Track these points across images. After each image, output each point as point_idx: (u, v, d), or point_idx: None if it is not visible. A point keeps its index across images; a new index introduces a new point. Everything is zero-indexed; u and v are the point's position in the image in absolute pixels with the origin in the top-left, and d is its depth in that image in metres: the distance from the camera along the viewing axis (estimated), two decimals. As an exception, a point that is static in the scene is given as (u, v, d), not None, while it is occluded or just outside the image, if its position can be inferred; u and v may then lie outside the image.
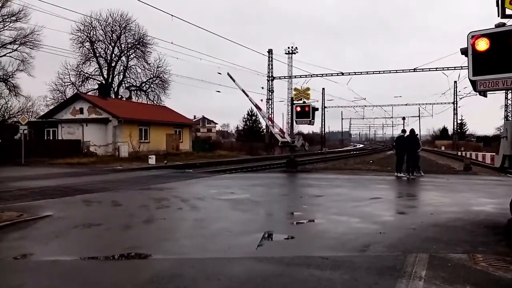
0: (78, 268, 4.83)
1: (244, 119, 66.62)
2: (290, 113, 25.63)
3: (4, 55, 37.19)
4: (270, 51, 52.93)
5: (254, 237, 6.17)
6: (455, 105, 63.01)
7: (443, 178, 15.74)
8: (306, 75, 46.80)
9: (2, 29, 36.24)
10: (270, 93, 53.18)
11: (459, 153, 34.49)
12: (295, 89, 20.27)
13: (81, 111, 31.88)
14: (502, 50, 5.80)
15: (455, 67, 40.80)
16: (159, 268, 4.64)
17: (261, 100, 53.65)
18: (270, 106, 53.63)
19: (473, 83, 6.25)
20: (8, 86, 38.00)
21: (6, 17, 35.90)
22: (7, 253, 5.30)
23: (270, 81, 52.88)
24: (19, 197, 10.18)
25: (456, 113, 64.07)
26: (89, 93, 41.24)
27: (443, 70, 41.64)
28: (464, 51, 6.22)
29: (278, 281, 4.14)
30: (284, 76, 56.32)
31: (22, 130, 24.10)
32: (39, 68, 57.97)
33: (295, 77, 51.49)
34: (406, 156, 15.72)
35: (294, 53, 62.80)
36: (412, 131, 16.30)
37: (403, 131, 16.76)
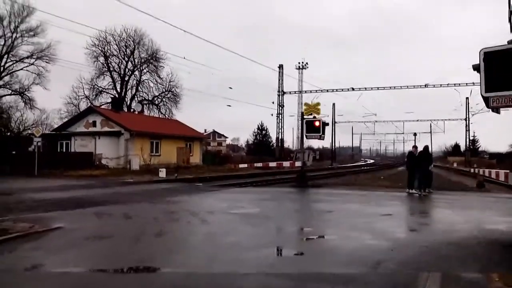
0: (88, 280, 4.85)
1: (254, 133, 66.83)
2: (300, 128, 25.65)
3: (21, 69, 38.08)
4: (280, 66, 53.30)
5: (265, 252, 6.14)
6: (467, 121, 62.27)
7: (455, 195, 15.51)
8: (316, 90, 46.95)
9: (20, 44, 37.20)
10: (280, 108, 53.36)
11: (472, 170, 33.98)
12: (306, 104, 20.28)
13: (94, 124, 32.33)
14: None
15: (466, 83, 40.54)
16: (169, 282, 4.64)
17: (272, 115, 53.94)
18: (280, 120, 53.78)
19: (486, 100, 6.22)
20: (24, 99, 38.80)
21: (24, 32, 36.87)
22: (18, 264, 5.34)
23: (280, 96, 53.12)
24: (32, 209, 10.29)
25: (469, 130, 63.27)
26: (102, 107, 41.86)
27: (454, 86, 41.40)
28: (476, 67, 6.21)
29: (288, 297, 4.10)
30: (295, 91, 56.51)
31: (36, 142, 24.49)
32: (54, 82, 59.04)
33: (306, 92, 51.73)
34: (417, 172, 15.53)
35: (305, 68, 62.97)
36: (425, 147, 16.18)
37: (414, 147, 16.65)
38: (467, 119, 61.87)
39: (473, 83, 38.79)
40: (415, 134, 54.60)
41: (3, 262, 5.47)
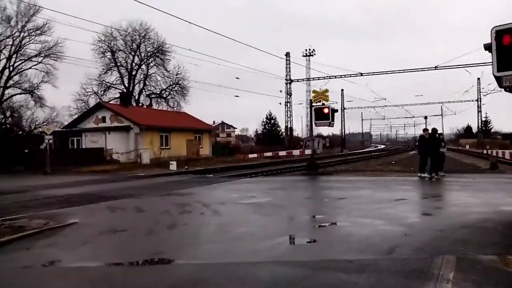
0: (104, 274, 4.91)
1: (263, 123, 66.73)
2: (309, 116, 25.50)
3: (30, 68, 38.36)
4: (287, 54, 52.92)
5: (277, 241, 6.15)
6: (479, 102, 61.42)
7: (469, 178, 15.33)
8: (324, 77, 46.42)
9: (28, 43, 37.41)
10: (288, 96, 53.12)
11: (485, 152, 33.55)
12: (314, 91, 20.12)
13: (103, 119, 32.55)
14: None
15: (478, 64, 39.73)
16: (183, 273, 4.67)
17: (280, 104, 53.76)
18: (288, 109, 53.57)
19: (498, 79, 6.08)
20: (33, 98, 39.16)
21: (31, 31, 37.04)
22: (36, 260, 5.43)
23: (288, 84, 52.84)
24: (46, 205, 10.44)
25: (480, 111, 62.43)
26: (111, 102, 42.08)
27: (465, 66, 40.62)
28: (488, 47, 6.06)
29: (303, 285, 4.10)
30: (302, 79, 56.19)
31: (48, 140, 24.75)
32: (63, 79, 59.55)
33: (313, 79, 51.40)
34: (428, 155, 15.36)
35: (312, 55, 62.71)
36: (433, 130, 15.96)
37: (425, 130, 16.44)
38: (479, 100, 61.00)
39: (484, 63, 38.07)
40: (425, 118, 54.12)
41: (22, 258, 5.56)
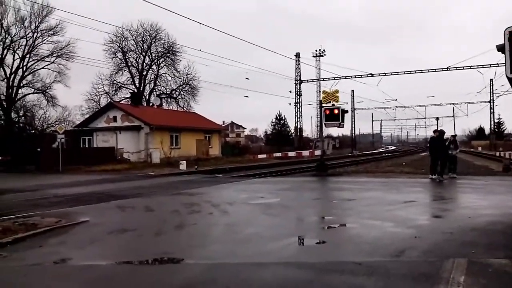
0: (114, 273, 4.97)
1: (273, 123, 66.65)
2: (319, 116, 25.41)
3: (42, 68, 38.87)
4: (297, 55, 52.85)
5: (286, 242, 6.15)
6: (492, 103, 60.58)
7: (480, 180, 15.13)
8: (334, 78, 46.17)
9: (41, 43, 37.90)
10: (298, 97, 53.02)
11: (498, 154, 33.08)
12: (324, 92, 20.05)
13: (114, 119, 32.85)
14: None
15: (490, 65, 39.15)
16: (192, 273, 4.70)
17: (289, 104, 53.67)
18: (298, 109, 53.46)
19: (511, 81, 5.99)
20: (46, 97, 39.66)
21: (44, 31, 37.53)
22: (47, 257, 5.51)
23: (298, 85, 52.73)
24: (58, 204, 10.58)
25: (493, 112, 61.59)
26: (122, 102, 42.44)
27: (477, 68, 40.08)
28: (500, 48, 5.97)
29: (311, 287, 4.09)
30: (312, 79, 55.93)
31: (60, 139, 25.07)
32: (75, 79, 60.34)
33: (323, 80, 51.01)
34: (439, 157, 15.23)
35: (322, 56, 62.35)
36: (440, 132, 15.90)
37: (435, 131, 16.34)
38: (492, 101, 60.16)
39: (497, 64, 37.53)
40: (437, 119, 53.50)
41: (34, 256, 5.65)
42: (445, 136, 15.88)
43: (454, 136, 17.63)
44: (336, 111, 18.40)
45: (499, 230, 6.45)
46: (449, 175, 15.59)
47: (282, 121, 65.18)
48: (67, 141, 29.07)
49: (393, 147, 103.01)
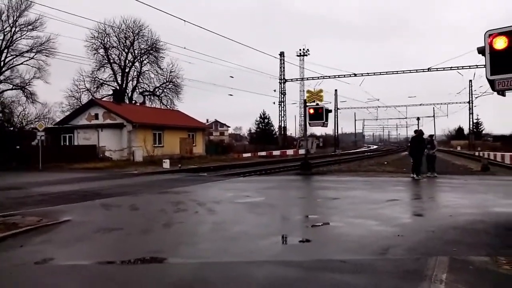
0: (99, 273, 4.90)
1: (257, 122, 66.82)
2: (303, 116, 25.56)
3: (21, 63, 38.01)
4: (282, 54, 53.03)
5: (272, 240, 6.20)
6: (471, 104, 62.06)
7: (460, 179, 15.50)
8: (318, 77, 46.61)
9: (19, 38, 37.08)
10: (282, 96, 53.23)
11: (476, 153, 33.92)
12: (308, 91, 20.19)
13: (96, 116, 32.35)
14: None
15: (470, 66, 40.17)
16: (180, 272, 4.69)
17: (274, 103, 53.83)
18: (282, 108, 53.66)
19: (491, 83, 6.16)
20: (25, 94, 38.81)
21: (23, 26, 36.71)
22: (29, 257, 5.38)
23: (282, 84, 52.94)
24: (39, 202, 10.37)
25: (472, 113, 63.12)
26: (104, 99, 41.82)
27: (458, 69, 41.03)
28: (481, 50, 6.14)
29: (299, 285, 4.14)
30: (296, 79, 56.33)
31: (40, 136, 24.54)
32: (55, 75, 59.20)
33: (307, 79, 51.53)
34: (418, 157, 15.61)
35: (306, 55, 62.85)
36: (419, 132, 16.40)
37: (416, 131, 16.75)
38: (471, 102, 61.60)
39: (477, 65, 38.50)
40: (418, 119, 54.32)
41: (14, 256, 5.53)
42: (424, 136, 16.27)
43: (431, 136, 18.05)
44: (320, 111, 18.57)
45: (479, 228, 6.62)
46: (428, 174, 15.95)
47: (266, 120, 65.42)
48: (47, 138, 28.49)
49: (375, 147, 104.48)
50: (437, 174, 16.16)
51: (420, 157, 15.43)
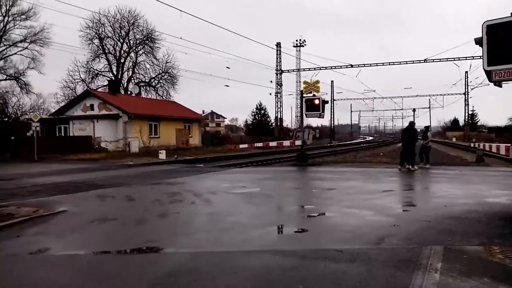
0: (95, 262, 4.91)
1: (253, 113, 66.65)
2: (299, 107, 25.54)
3: (15, 53, 37.62)
4: (278, 44, 52.77)
5: (268, 230, 6.22)
6: (466, 95, 62.22)
7: (455, 170, 15.59)
8: (315, 68, 46.58)
9: (12, 28, 36.66)
10: (278, 87, 53.08)
11: (471, 145, 34.06)
12: (305, 82, 20.13)
13: (91, 107, 32.16)
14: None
15: (466, 57, 40.21)
16: (176, 262, 4.69)
17: (270, 94, 53.70)
18: (279, 99, 53.55)
19: (488, 73, 6.16)
20: (19, 84, 38.51)
21: (16, 15, 36.27)
22: (24, 248, 5.38)
23: (278, 75, 52.75)
24: (35, 193, 10.34)
25: (467, 104, 63.29)
26: (99, 90, 41.54)
27: (454, 60, 41.06)
28: (478, 41, 6.13)
29: (295, 274, 4.16)
30: (293, 69, 56.13)
31: (35, 127, 24.40)
32: (50, 66, 58.58)
33: (304, 70, 51.24)
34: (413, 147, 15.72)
35: (302, 46, 62.50)
36: (410, 123, 16.62)
37: (411, 122, 16.95)
38: (466, 93, 61.76)
39: (473, 57, 38.54)
40: (414, 110, 54.49)
41: (10, 246, 5.52)
42: (417, 127, 16.47)
43: (427, 127, 18.15)
44: (317, 102, 18.55)
45: (473, 218, 6.68)
46: (420, 165, 16.06)
47: (262, 111, 65.28)
48: (42, 129, 28.34)
49: (371, 138, 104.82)
50: (430, 165, 16.23)
51: (410, 147, 15.52)
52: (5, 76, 38.09)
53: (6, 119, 35.34)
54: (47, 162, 21.79)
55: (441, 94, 63.91)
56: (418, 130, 18.12)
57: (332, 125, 71.10)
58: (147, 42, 46.46)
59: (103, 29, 44.92)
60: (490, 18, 5.97)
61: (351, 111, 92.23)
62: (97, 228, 6.62)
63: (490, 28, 5.85)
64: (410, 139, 15.65)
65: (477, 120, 78.57)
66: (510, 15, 5.76)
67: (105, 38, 45.37)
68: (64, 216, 7.42)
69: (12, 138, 25.78)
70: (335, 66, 44.21)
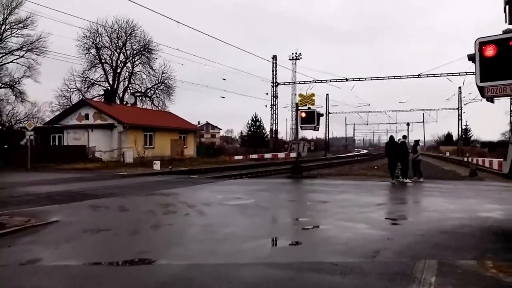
0: (87, 274, 4.85)
1: (248, 125, 66.85)
2: (294, 119, 25.65)
3: (11, 62, 37.53)
4: (274, 57, 53.18)
5: (262, 242, 6.20)
6: (460, 110, 62.84)
7: (449, 184, 15.67)
8: (310, 81, 46.92)
9: (9, 36, 36.61)
10: (274, 99, 53.34)
11: (465, 159, 34.29)
12: (300, 95, 20.26)
13: (86, 117, 32.06)
14: (510, 56, 5.80)
15: (459, 73, 40.73)
16: (169, 273, 4.66)
17: (265, 106, 53.95)
18: (274, 112, 53.76)
19: (481, 89, 6.25)
20: (14, 92, 38.32)
21: (13, 24, 36.28)
22: (15, 258, 5.32)
23: (274, 87, 53.06)
24: (27, 202, 10.23)
25: (461, 119, 63.88)
26: (95, 99, 41.48)
27: (448, 75, 41.58)
28: (471, 57, 6.23)
29: (290, 286, 4.15)
30: (288, 82, 56.50)
31: (29, 135, 24.24)
32: (45, 74, 58.60)
33: (299, 83, 51.66)
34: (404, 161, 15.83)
35: (298, 59, 63.06)
36: (390, 137, 16.97)
37: (404, 136, 17.31)
38: (460, 108, 62.38)
39: (466, 72, 39.06)
40: (408, 124, 54.87)
41: (0, 256, 5.46)
42: (401, 141, 16.70)
43: (417, 141, 18.47)
44: (312, 114, 18.66)
45: (467, 232, 6.70)
46: (414, 179, 16.15)
47: (258, 123, 65.49)
48: (37, 138, 28.16)
49: (365, 151, 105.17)
50: (423, 179, 16.34)
51: (402, 160, 15.67)
52: (0, 84, 37.96)
53: (0, 127, 35.11)
54: (41, 171, 21.62)
55: (435, 109, 64.54)
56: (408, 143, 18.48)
57: (327, 137, 71.31)
58: (144, 52, 46.65)
59: (100, 39, 45.10)
60: (484, 35, 6.09)
61: (346, 124, 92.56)
62: (90, 239, 6.56)
63: (482, 45, 5.96)
64: (393, 152, 15.82)
65: (470, 135, 79.23)
66: (501, 33, 5.89)
67: (102, 48, 45.52)
68: (57, 226, 7.35)
69: (6, 146, 25.59)
70: (330, 80, 44.63)
